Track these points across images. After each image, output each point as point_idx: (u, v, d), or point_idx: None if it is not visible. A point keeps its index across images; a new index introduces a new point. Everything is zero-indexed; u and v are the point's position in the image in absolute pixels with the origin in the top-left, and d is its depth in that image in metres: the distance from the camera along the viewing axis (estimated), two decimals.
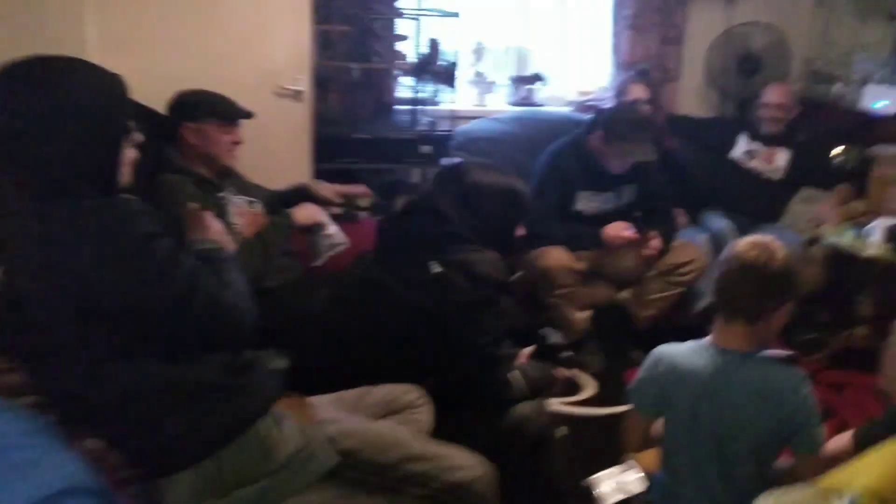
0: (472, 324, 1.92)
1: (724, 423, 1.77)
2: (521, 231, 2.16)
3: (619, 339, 3.35)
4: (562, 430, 2.29)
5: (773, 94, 3.80)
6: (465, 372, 1.95)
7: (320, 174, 3.12)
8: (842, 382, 3.24)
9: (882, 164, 3.75)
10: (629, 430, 2.02)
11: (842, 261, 3.49)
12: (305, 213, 2.38)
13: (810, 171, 3.79)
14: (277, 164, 2.99)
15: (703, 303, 3.36)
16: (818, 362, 3.32)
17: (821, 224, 3.62)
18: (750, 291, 1.75)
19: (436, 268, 1.92)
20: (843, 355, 3.42)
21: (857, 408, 3.06)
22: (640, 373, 1.95)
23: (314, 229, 2.40)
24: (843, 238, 3.46)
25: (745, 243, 1.79)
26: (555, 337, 3.20)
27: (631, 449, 2.04)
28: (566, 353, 3.15)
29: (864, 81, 4.11)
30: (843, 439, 1.84)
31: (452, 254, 1.95)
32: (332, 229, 2.42)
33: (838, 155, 3.98)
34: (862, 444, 1.73)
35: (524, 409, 2.05)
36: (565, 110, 4.19)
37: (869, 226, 3.41)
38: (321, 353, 1.98)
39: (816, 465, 1.73)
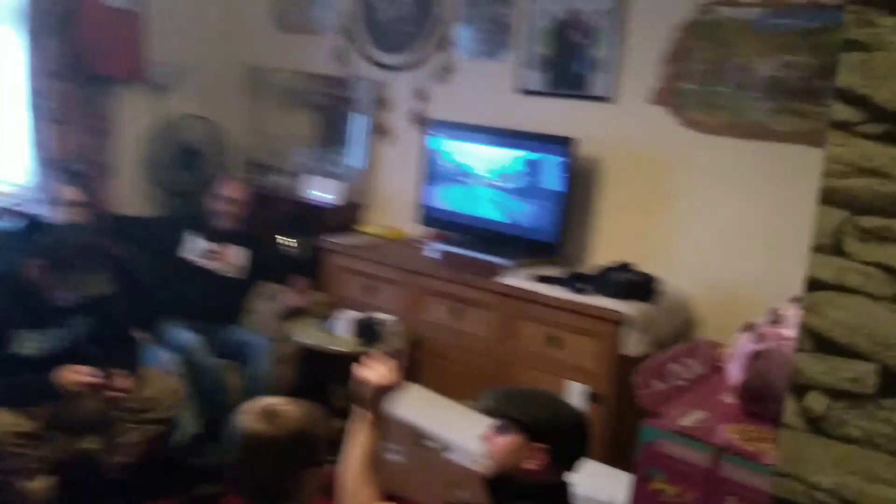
0: None
1: None
2: None
3: (91, 497, 2.82)
4: None
5: (228, 189, 3.66)
6: None
7: None
8: None
9: (332, 253, 3.90)
10: None
11: (312, 357, 3.50)
12: None
13: (267, 266, 3.74)
14: None
15: (187, 434, 3.04)
16: None
17: (288, 309, 3.59)
18: (268, 469, 1.53)
19: None
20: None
21: None
22: None
23: None
24: (311, 335, 3.48)
25: (248, 415, 1.56)
26: None
27: None
28: None
29: (300, 171, 4.25)
30: None
31: None
32: None
33: (287, 246, 4.04)
34: None
35: None
36: None
37: (334, 321, 3.48)
38: None
39: None
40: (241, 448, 1.53)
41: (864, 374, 1.21)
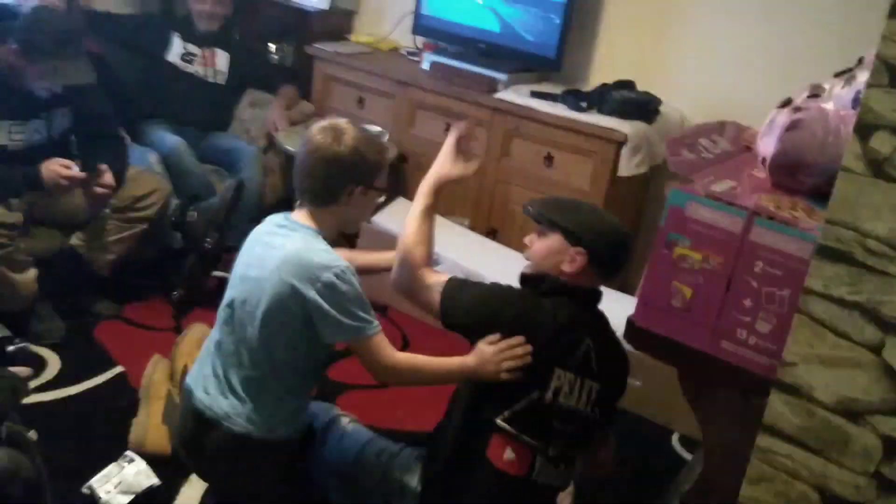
0: None
1: (254, 290, 1.80)
2: None
3: (78, 293, 2.82)
4: (30, 436, 1.81)
5: None
6: None
7: None
8: None
9: (320, 61, 3.74)
10: None
11: None
12: None
13: (251, 73, 3.59)
14: None
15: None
16: None
17: (274, 131, 3.49)
18: (313, 173, 1.80)
19: None
20: None
21: None
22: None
23: None
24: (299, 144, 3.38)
25: (317, 127, 1.83)
26: None
27: None
28: (15, 343, 2.49)
29: None
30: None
31: None
32: None
33: (274, 53, 3.87)
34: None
35: None
36: None
37: None
38: None
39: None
40: (305, 154, 1.80)
41: None
